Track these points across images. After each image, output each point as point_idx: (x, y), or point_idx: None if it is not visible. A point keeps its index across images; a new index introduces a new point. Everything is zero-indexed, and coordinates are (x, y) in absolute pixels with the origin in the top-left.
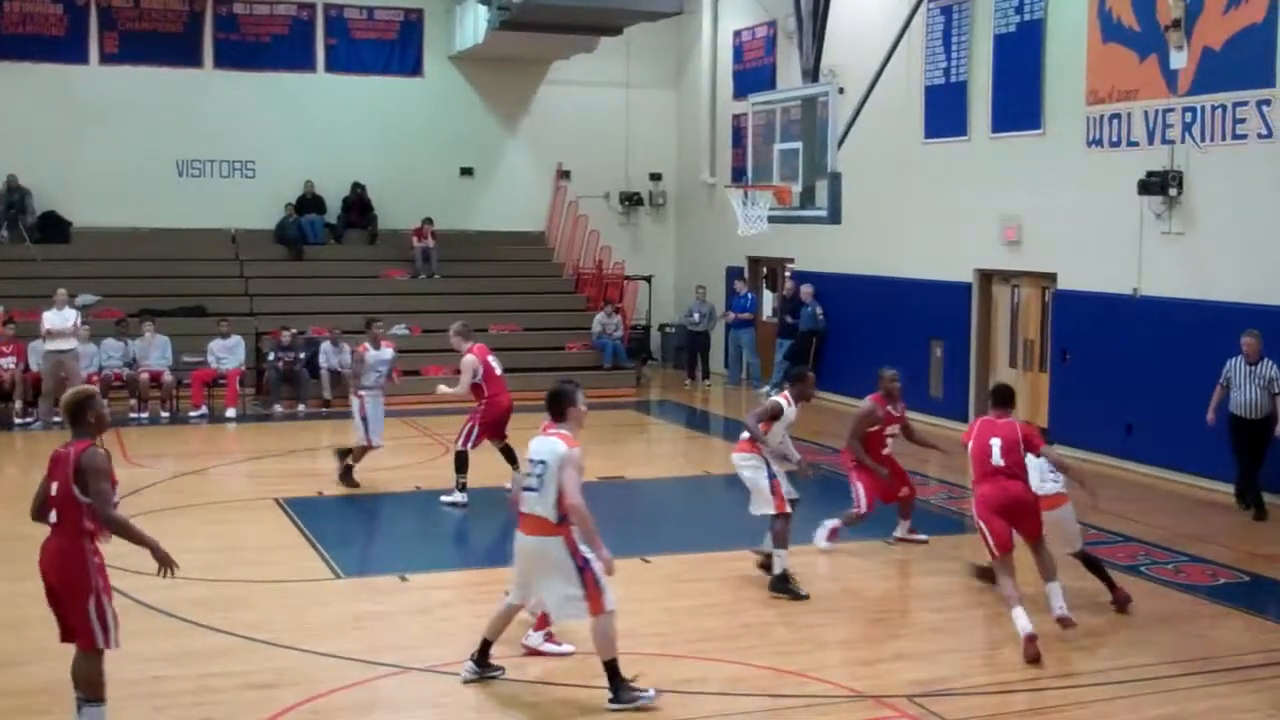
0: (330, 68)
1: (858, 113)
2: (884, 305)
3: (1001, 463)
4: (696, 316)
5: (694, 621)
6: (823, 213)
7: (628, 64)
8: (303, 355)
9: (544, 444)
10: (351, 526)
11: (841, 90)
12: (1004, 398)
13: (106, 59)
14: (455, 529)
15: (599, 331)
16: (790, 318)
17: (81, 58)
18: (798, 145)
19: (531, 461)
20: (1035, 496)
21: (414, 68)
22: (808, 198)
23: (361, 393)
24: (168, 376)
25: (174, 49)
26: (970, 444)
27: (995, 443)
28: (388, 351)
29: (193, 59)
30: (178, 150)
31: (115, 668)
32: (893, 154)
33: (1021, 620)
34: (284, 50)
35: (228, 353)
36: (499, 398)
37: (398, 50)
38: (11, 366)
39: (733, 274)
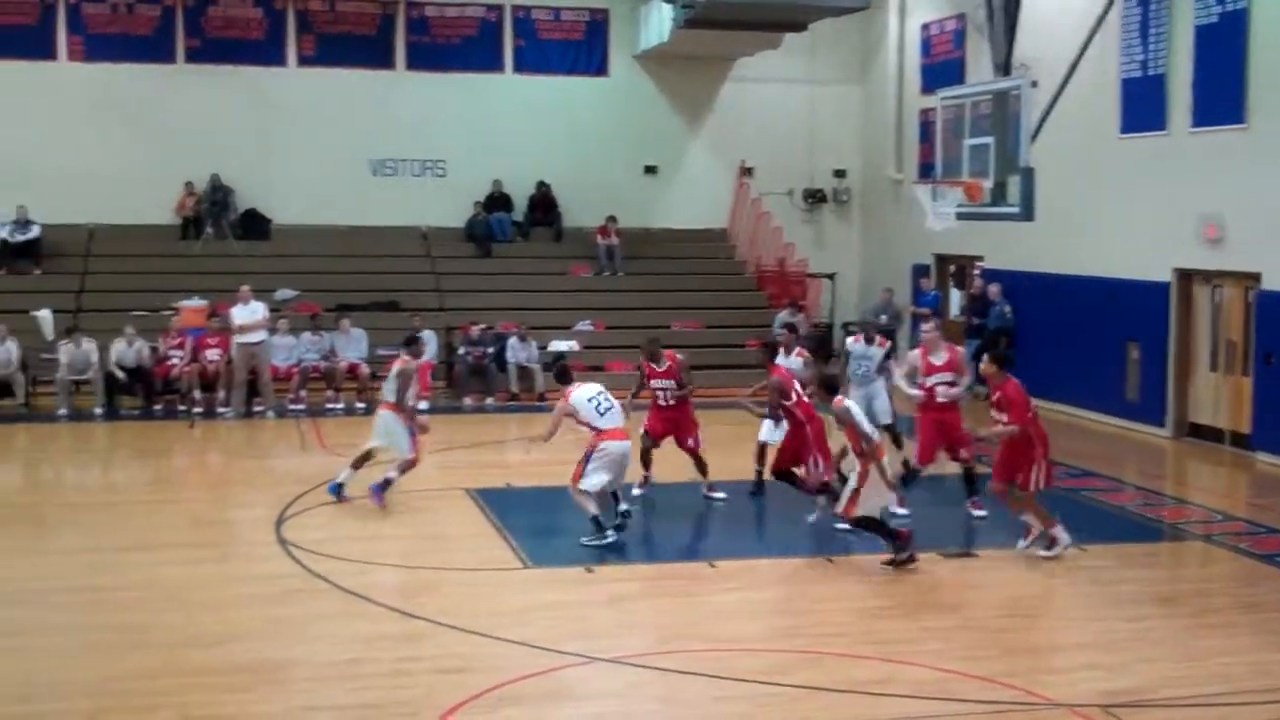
0: (518, 68)
1: (1051, 107)
2: (1077, 305)
3: None
4: (883, 316)
5: (879, 623)
6: (1015, 209)
7: (812, 60)
8: (491, 350)
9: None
10: (539, 518)
11: (1035, 84)
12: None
13: (304, 61)
14: (640, 524)
15: (780, 330)
16: (977, 317)
17: (280, 60)
18: (989, 140)
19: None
20: None
21: (599, 67)
22: (999, 194)
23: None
24: (363, 369)
25: (367, 51)
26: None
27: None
28: (875, 350)
29: (385, 61)
30: (371, 150)
31: (313, 649)
32: (1087, 149)
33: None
34: (473, 51)
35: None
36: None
37: (584, 50)
38: (217, 358)
39: (918, 272)
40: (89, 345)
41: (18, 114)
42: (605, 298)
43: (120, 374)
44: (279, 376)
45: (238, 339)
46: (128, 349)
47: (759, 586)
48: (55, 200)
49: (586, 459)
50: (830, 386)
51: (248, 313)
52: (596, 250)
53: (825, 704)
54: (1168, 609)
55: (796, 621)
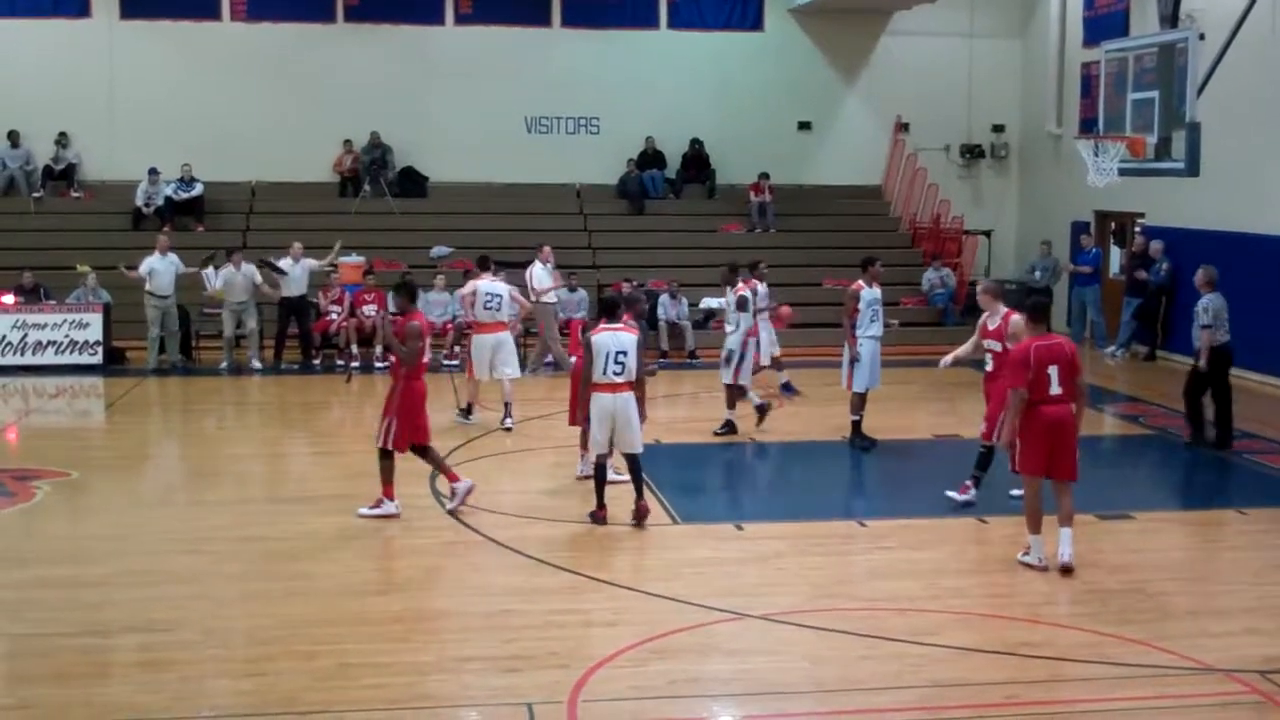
0: (673, 24)
1: (1219, 60)
2: (1241, 263)
3: (1059, 390)
4: (1038, 273)
5: (1034, 585)
6: (1180, 165)
7: (971, 13)
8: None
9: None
10: (688, 474)
11: (1202, 36)
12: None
13: (461, 19)
14: (790, 481)
15: (928, 288)
16: (1139, 274)
17: (438, 18)
18: (1153, 94)
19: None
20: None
21: (754, 22)
22: (1163, 149)
23: (856, 334)
24: (517, 326)
25: (524, 8)
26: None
27: (1053, 370)
28: (877, 290)
29: (541, 18)
30: (527, 107)
31: (467, 600)
32: (1256, 103)
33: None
34: (628, 7)
35: (572, 304)
36: None
37: (739, 5)
38: (373, 314)
39: (1078, 229)
40: (249, 268)
41: (181, 73)
42: (757, 255)
43: (282, 268)
44: (435, 333)
45: (544, 298)
46: (294, 264)
47: (911, 546)
48: (218, 158)
49: None
50: (609, 309)
51: (545, 273)
52: (749, 207)
53: (977, 665)
54: None
55: (949, 582)
